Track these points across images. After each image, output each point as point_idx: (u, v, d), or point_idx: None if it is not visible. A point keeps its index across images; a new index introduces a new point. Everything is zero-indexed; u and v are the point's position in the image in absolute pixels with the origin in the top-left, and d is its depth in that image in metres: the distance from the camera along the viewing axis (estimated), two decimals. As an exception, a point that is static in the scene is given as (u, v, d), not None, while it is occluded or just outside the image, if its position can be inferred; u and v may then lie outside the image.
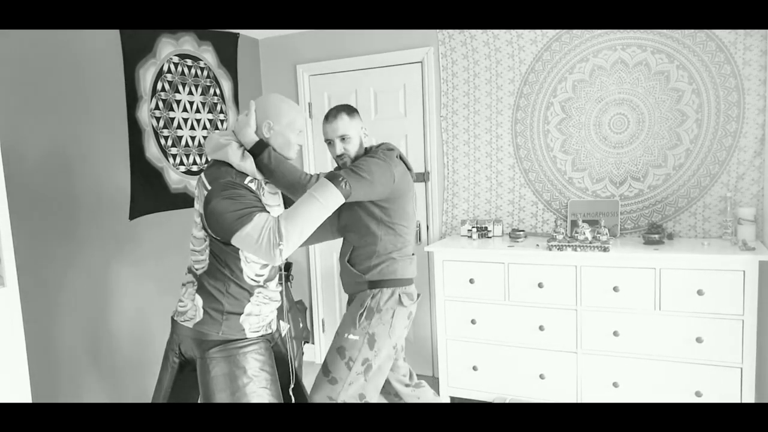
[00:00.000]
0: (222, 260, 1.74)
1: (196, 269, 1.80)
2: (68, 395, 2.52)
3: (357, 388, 2.06)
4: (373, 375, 2.09)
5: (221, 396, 1.71)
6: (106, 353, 2.71)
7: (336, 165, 2.27)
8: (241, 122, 1.80)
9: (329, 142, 2.14)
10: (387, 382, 2.34)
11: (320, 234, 2.22)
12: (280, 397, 1.81)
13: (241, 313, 1.77)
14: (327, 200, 1.65)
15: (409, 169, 2.20)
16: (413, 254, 2.23)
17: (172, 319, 1.85)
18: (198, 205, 1.75)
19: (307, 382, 3.49)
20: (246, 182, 1.71)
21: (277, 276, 1.91)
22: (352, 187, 1.82)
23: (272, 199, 1.84)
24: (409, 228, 2.17)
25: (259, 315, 1.82)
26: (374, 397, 2.12)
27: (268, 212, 1.67)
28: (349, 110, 2.13)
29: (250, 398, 1.71)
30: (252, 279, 1.78)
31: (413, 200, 2.20)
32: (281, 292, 1.96)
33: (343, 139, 2.10)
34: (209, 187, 1.68)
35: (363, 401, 2.09)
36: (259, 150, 1.76)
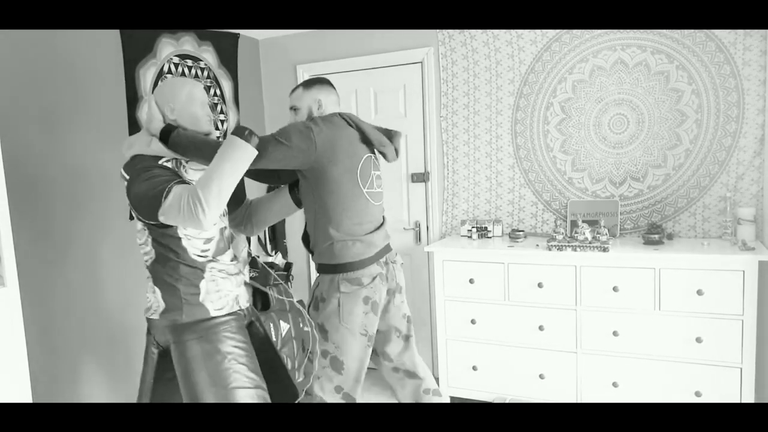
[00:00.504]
0: (164, 245, 1.76)
1: (146, 261, 1.83)
2: (68, 395, 2.52)
3: (332, 381, 1.98)
4: (348, 369, 1.99)
5: (199, 377, 1.72)
6: (106, 353, 2.71)
7: None
8: (147, 116, 1.84)
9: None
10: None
11: (272, 213, 2.17)
12: (258, 371, 1.81)
13: (198, 293, 1.78)
14: (235, 154, 1.65)
15: (365, 135, 2.05)
16: (367, 234, 2.03)
17: (145, 316, 1.86)
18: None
19: (307, 382, 3.49)
20: (161, 162, 1.75)
21: (231, 250, 1.91)
22: (266, 150, 1.83)
23: (197, 174, 1.84)
24: (346, 205, 1.98)
25: (219, 291, 1.81)
26: (356, 388, 2.03)
27: (188, 183, 1.68)
28: (308, 83, 2.12)
29: (227, 375, 1.72)
30: (198, 255, 1.79)
31: (359, 173, 2.01)
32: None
33: (294, 110, 2.12)
34: (127, 177, 1.73)
35: (342, 394, 1.99)
36: (166, 133, 1.77)
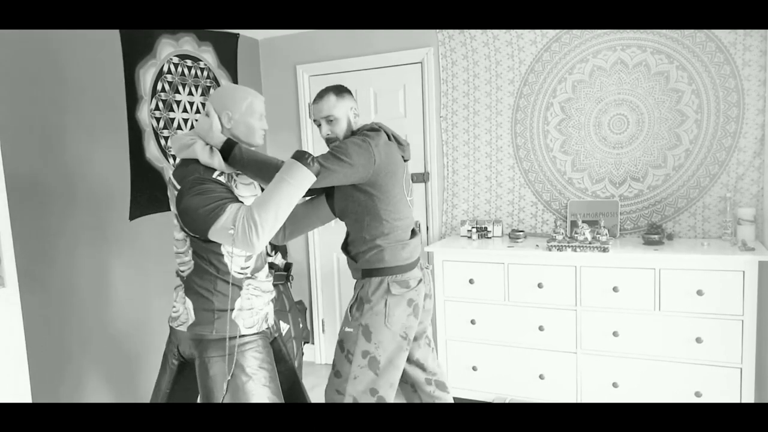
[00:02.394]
0: (205, 258, 1.73)
1: (182, 271, 1.79)
2: (68, 395, 2.52)
3: (367, 383, 1.99)
4: (384, 369, 2.00)
5: (221, 395, 1.71)
6: (105, 353, 2.71)
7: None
8: (203, 124, 1.76)
9: (318, 124, 2.08)
10: (404, 371, 2.26)
11: (307, 222, 2.15)
12: (280, 394, 1.80)
13: (232, 309, 1.75)
14: (296, 180, 1.62)
15: (400, 144, 2.12)
16: (411, 238, 2.10)
17: (169, 324, 1.84)
18: (172, 206, 1.74)
19: (307, 382, 3.49)
20: (215, 176, 1.70)
21: (266, 266, 1.90)
22: (329, 169, 1.81)
23: (246, 189, 1.81)
24: (396, 212, 2.04)
25: (252, 309, 1.80)
26: (390, 393, 2.04)
27: (241, 202, 1.66)
28: (338, 90, 2.06)
29: (249, 397, 1.71)
30: (238, 272, 1.77)
31: (404, 182, 2.09)
32: (276, 285, 1.96)
33: (329, 121, 2.04)
34: (179, 187, 1.68)
35: (376, 397, 2.01)
36: (228, 148, 1.73)
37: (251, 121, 1.79)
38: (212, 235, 1.60)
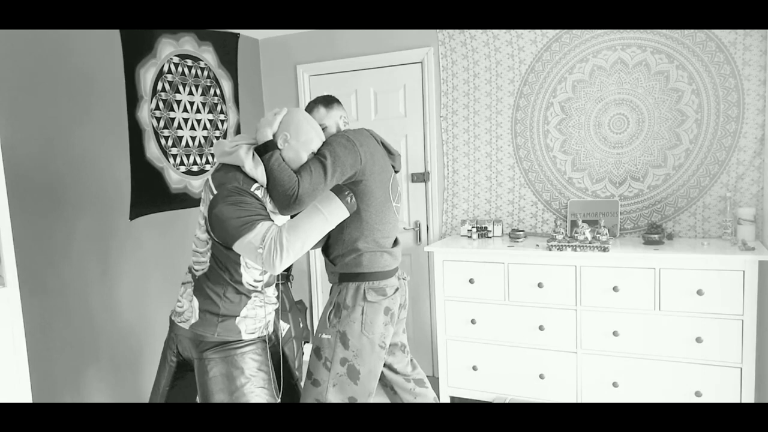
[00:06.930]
0: (222, 264, 1.75)
1: (196, 270, 1.81)
2: (68, 395, 2.52)
3: (346, 391, 1.98)
4: (363, 379, 1.99)
5: (220, 396, 1.72)
6: (105, 353, 2.71)
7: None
8: (266, 119, 1.84)
9: None
10: (381, 374, 2.27)
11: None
12: (275, 396, 1.83)
13: (236, 316, 1.78)
14: (331, 214, 1.67)
15: (390, 153, 2.14)
16: (393, 246, 2.09)
17: (170, 318, 1.86)
18: (203, 208, 1.75)
19: (307, 382, 3.49)
20: (252, 189, 1.72)
21: (275, 281, 1.93)
22: (330, 172, 1.86)
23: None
24: (378, 215, 2.02)
25: (255, 317, 1.83)
26: (367, 401, 2.04)
27: (272, 221, 1.67)
28: (327, 102, 2.10)
29: (248, 398, 1.72)
30: (250, 284, 1.79)
31: (390, 187, 2.08)
32: (278, 296, 1.98)
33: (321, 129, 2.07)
34: (215, 192, 1.69)
35: None
36: (265, 149, 1.78)
37: (302, 154, 1.84)
38: (237, 247, 1.63)
